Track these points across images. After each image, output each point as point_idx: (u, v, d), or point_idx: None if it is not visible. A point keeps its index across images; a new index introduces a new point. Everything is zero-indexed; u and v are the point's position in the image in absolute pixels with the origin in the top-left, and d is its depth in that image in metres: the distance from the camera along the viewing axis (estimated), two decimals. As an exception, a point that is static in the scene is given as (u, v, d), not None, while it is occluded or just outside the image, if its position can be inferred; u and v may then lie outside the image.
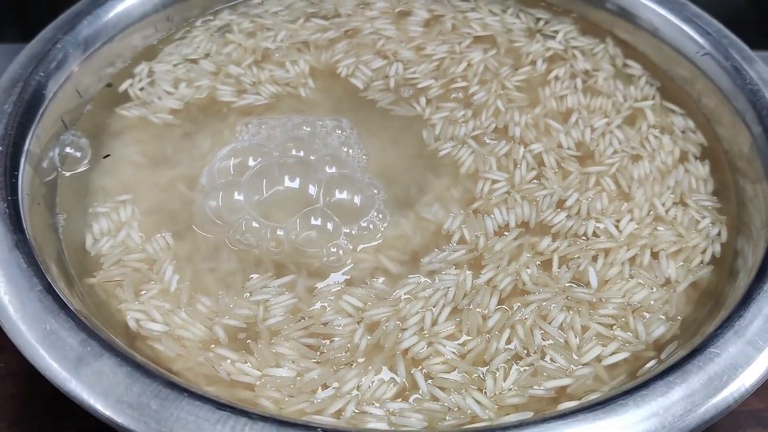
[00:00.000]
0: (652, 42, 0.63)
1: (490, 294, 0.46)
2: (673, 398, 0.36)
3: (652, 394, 0.36)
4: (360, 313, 0.45)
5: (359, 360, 0.42)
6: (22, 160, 0.48)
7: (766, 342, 0.38)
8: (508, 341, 0.43)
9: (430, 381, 0.41)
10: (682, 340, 0.43)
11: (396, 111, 0.58)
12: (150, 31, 0.63)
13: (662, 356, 0.43)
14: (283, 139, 0.53)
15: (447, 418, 0.40)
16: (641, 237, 0.49)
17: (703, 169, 0.55)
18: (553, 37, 0.65)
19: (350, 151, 0.54)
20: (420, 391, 0.41)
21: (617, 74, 0.62)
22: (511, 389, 0.41)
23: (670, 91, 0.61)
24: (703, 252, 0.49)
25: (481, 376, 0.42)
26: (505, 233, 0.49)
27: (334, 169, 0.51)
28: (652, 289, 0.47)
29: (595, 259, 0.48)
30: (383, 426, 0.39)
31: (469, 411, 0.40)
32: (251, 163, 0.51)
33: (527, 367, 0.42)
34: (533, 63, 0.63)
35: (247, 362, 0.42)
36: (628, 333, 0.44)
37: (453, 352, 0.43)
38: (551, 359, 0.43)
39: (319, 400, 0.40)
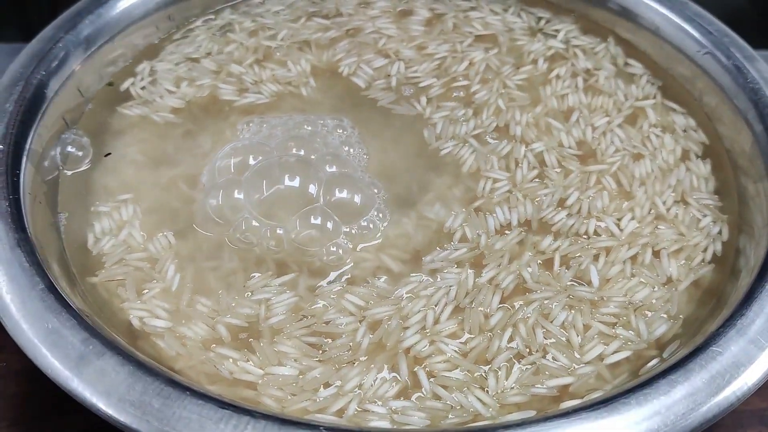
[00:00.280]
0: (654, 41, 0.63)
1: (492, 293, 0.46)
2: (675, 397, 0.36)
3: (655, 393, 0.36)
4: (362, 311, 0.45)
5: (361, 358, 0.42)
6: (24, 158, 0.48)
7: (768, 340, 0.39)
8: (510, 340, 0.43)
9: (432, 379, 0.41)
10: (684, 338, 0.43)
11: (396, 110, 0.58)
12: (151, 30, 0.64)
13: (664, 355, 0.43)
14: (284, 138, 0.53)
15: (449, 416, 0.40)
16: (642, 236, 0.49)
17: (704, 168, 0.55)
18: (554, 36, 0.65)
19: (351, 150, 0.54)
20: (422, 390, 0.41)
21: (618, 73, 0.62)
22: (513, 388, 0.41)
23: (671, 90, 0.61)
24: (705, 250, 0.49)
25: (483, 374, 0.42)
26: (507, 232, 0.49)
27: (334, 168, 0.51)
28: (653, 287, 0.47)
29: (596, 257, 0.48)
30: (385, 424, 0.39)
31: (471, 409, 0.40)
32: (252, 161, 0.51)
33: (529, 366, 0.42)
34: (534, 62, 0.63)
35: (249, 361, 0.42)
36: (630, 332, 0.44)
37: (455, 351, 0.43)
38: (553, 358, 0.43)
39: (321, 399, 0.40)
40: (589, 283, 0.47)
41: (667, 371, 0.37)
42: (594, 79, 0.61)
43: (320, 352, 0.42)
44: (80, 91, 0.57)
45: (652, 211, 0.51)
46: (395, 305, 0.45)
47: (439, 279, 0.46)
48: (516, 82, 0.61)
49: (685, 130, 0.58)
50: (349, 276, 0.47)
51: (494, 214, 0.50)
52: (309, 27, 0.66)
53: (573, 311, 0.45)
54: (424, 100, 0.59)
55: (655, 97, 0.60)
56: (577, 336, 0.44)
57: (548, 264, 0.48)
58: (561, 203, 0.51)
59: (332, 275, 0.47)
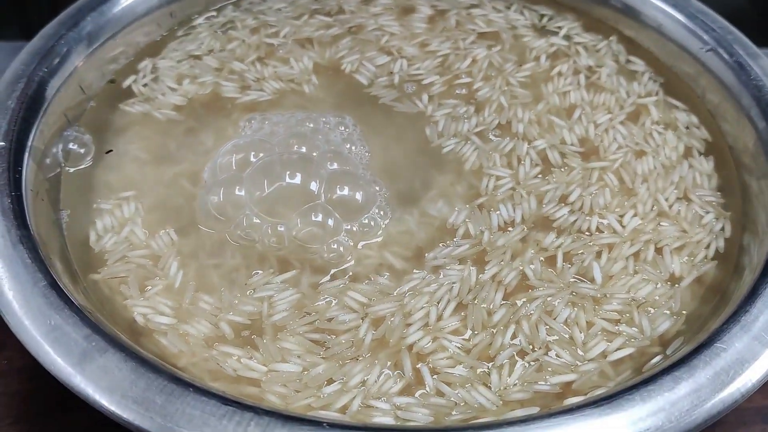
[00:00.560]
0: (656, 38, 0.63)
1: (495, 289, 0.45)
2: (679, 393, 0.36)
3: (659, 389, 0.36)
4: (365, 308, 0.44)
5: (365, 355, 0.42)
6: (26, 155, 0.48)
7: (772, 337, 0.38)
8: (513, 336, 0.43)
9: (435, 376, 0.41)
10: (688, 335, 0.43)
11: (398, 107, 0.58)
12: (153, 28, 0.63)
13: (668, 352, 0.42)
14: (286, 135, 0.53)
15: (453, 413, 0.40)
16: (645, 232, 0.49)
17: (707, 165, 0.55)
18: (557, 33, 0.65)
19: (353, 147, 0.54)
20: (426, 386, 0.41)
21: (620, 70, 0.62)
22: (516, 384, 0.41)
23: (674, 87, 0.61)
24: (707, 247, 0.49)
25: (486, 371, 0.42)
26: (510, 229, 0.49)
27: (335, 166, 0.51)
28: (656, 284, 0.46)
29: (599, 254, 0.48)
30: (389, 421, 0.39)
31: (476, 405, 0.40)
32: (253, 159, 0.50)
33: (532, 363, 0.42)
34: (537, 59, 0.63)
35: (252, 358, 0.42)
36: (633, 328, 0.44)
37: (458, 347, 0.43)
38: (556, 355, 0.43)
39: (325, 395, 0.40)
40: (592, 280, 0.46)
41: (671, 368, 0.37)
42: (596, 76, 0.61)
43: (323, 348, 0.42)
44: (82, 88, 0.57)
45: (655, 207, 0.51)
46: (398, 302, 0.45)
47: (441, 276, 0.46)
48: (518, 79, 0.60)
49: (687, 127, 0.57)
50: (352, 273, 0.47)
51: (498, 211, 0.50)
52: (311, 24, 0.66)
53: (576, 308, 0.45)
54: (426, 97, 0.59)
55: (657, 94, 0.60)
56: (580, 333, 0.44)
57: (551, 261, 0.48)
58: (563, 199, 0.51)
59: (334, 272, 0.47)
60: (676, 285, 0.47)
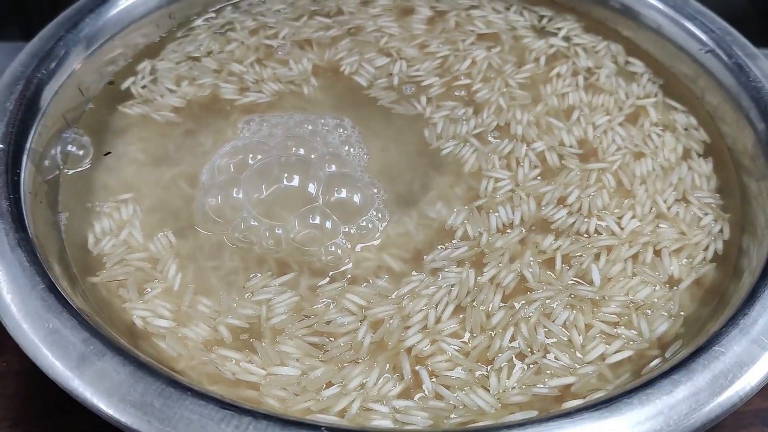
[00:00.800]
0: (655, 39, 0.63)
1: (494, 292, 0.45)
2: (678, 397, 0.36)
3: (657, 393, 0.36)
4: (363, 311, 0.44)
5: (363, 358, 0.42)
6: (24, 158, 0.48)
7: (771, 340, 0.38)
8: (512, 339, 0.43)
9: (434, 379, 0.41)
10: (687, 338, 0.43)
11: (396, 109, 0.58)
12: (152, 29, 0.63)
13: (666, 355, 0.42)
14: (284, 137, 0.53)
15: (452, 416, 0.40)
16: (643, 234, 0.49)
17: (705, 166, 0.55)
18: (556, 34, 0.65)
19: (351, 149, 0.54)
20: (425, 389, 0.41)
21: (619, 72, 0.62)
22: (514, 387, 0.41)
23: (672, 89, 0.61)
24: (706, 249, 0.49)
25: (485, 373, 0.42)
26: (508, 231, 0.49)
27: (334, 168, 0.51)
28: (655, 286, 0.46)
29: (597, 256, 0.48)
30: (388, 424, 0.39)
31: (475, 408, 0.40)
32: (251, 161, 0.50)
33: (531, 366, 0.42)
34: (536, 60, 0.62)
35: (251, 361, 0.42)
36: (632, 331, 0.44)
37: (456, 350, 0.43)
38: (555, 357, 0.43)
39: (324, 398, 0.40)
40: (591, 283, 0.46)
41: (670, 371, 0.37)
42: (595, 77, 0.61)
43: (322, 351, 0.42)
44: (81, 90, 0.57)
45: (653, 209, 0.51)
46: (396, 304, 0.45)
47: (440, 278, 0.46)
48: (518, 80, 0.60)
49: (686, 129, 0.57)
50: (351, 275, 0.47)
51: (497, 213, 0.50)
52: (310, 26, 0.66)
53: (574, 311, 0.45)
54: (424, 99, 0.58)
55: (656, 96, 0.60)
56: (579, 335, 0.44)
57: (549, 263, 0.48)
58: (561, 201, 0.51)
59: (332, 274, 0.47)
60: (675, 287, 0.47)
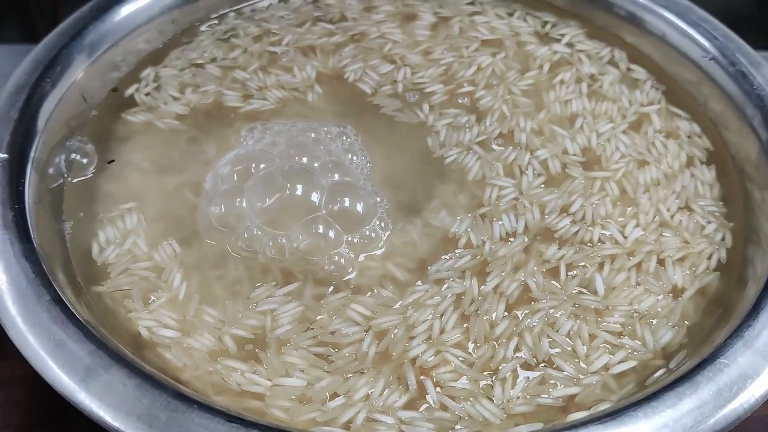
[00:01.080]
0: (659, 46, 0.63)
1: (497, 301, 0.45)
2: (683, 409, 0.36)
3: (662, 406, 0.36)
4: (368, 321, 0.44)
5: (368, 368, 0.42)
6: (29, 167, 0.48)
7: (775, 352, 0.38)
8: (516, 349, 0.43)
9: (439, 389, 0.41)
10: (691, 348, 0.43)
11: (399, 117, 0.58)
12: (155, 35, 0.63)
13: (671, 365, 0.43)
14: (287, 145, 0.53)
15: (457, 426, 0.40)
16: (647, 243, 0.49)
17: (709, 174, 0.55)
18: (560, 41, 0.65)
19: (354, 158, 0.54)
20: (430, 400, 0.41)
21: (623, 78, 0.62)
22: (519, 397, 0.41)
23: (676, 96, 0.61)
24: (709, 258, 0.49)
25: (490, 383, 0.42)
26: (511, 239, 0.49)
27: (336, 177, 0.51)
28: (659, 296, 0.46)
29: (601, 266, 0.48)
30: (393, 435, 0.39)
31: (480, 419, 0.40)
32: (254, 170, 0.50)
33: (535, 376, 0.42)
34: (540, 67, 0.62)
35: (256, 372, 0.42)
36: (636, 341, 0.44)
37: (461, 360, 0.43)
38: (559, 368, 0.43)
39: (330, 409, 0.40)
40: (594, 292, 0.46)
41: (675, 383, 0.37)
42: (598, 84, 0.61)
43: (327, 362, 0.42)
44: (84, 98, 0.57)
45: (657, 218, 0.51)
46: (401, 314, 0.45)
47: (444, 287, 0.46)
48: (521, 87, 0.60)
49: (689, 136, 0.57)
50: (355, 285, 0.47)
51: (500, 221, 0.50)
52: (314, 32, 0.65)
53: (578, 320, 0.45)
54: (426, 107, 0.58)
55: (659, 103, 0.60)
56: (583, 345, 0.44)
57: (553, 272, 0.48)
58: (565, 209, 0.51)
59: (336, 284, 0.47)
60: (679, 297, 0.47)
